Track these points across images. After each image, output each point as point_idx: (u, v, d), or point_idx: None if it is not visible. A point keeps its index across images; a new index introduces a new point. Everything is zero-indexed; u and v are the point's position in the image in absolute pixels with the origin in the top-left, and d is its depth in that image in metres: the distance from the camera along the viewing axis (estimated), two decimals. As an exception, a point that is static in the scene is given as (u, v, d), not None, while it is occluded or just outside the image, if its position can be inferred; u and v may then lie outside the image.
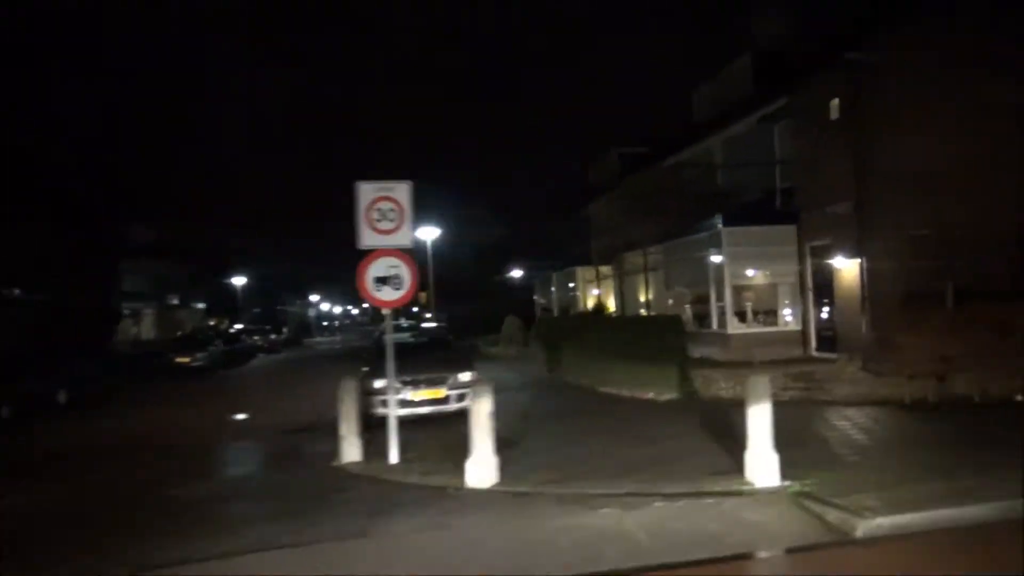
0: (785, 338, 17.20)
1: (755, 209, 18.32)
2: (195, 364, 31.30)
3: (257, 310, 77.63)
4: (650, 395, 13.65)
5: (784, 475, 6.94)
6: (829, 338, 16.45)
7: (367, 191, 8.99)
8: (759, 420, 6.90)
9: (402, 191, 9.09)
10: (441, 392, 11.88)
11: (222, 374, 29.82)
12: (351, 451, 9.22)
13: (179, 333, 43.57)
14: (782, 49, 20.30)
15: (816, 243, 16.69)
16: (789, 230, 17.17)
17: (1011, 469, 6.83)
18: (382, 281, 9.02)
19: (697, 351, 18.53)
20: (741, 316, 17.72)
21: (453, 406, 11.95)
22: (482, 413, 7.52)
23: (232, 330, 44.92)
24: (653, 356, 14.05)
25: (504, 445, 9.76)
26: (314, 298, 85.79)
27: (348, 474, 8.74)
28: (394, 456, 8.91)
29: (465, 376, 12.18)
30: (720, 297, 17.51)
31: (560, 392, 15.65)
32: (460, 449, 8.07)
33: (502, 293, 49.63)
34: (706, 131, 21.87)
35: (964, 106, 14.77)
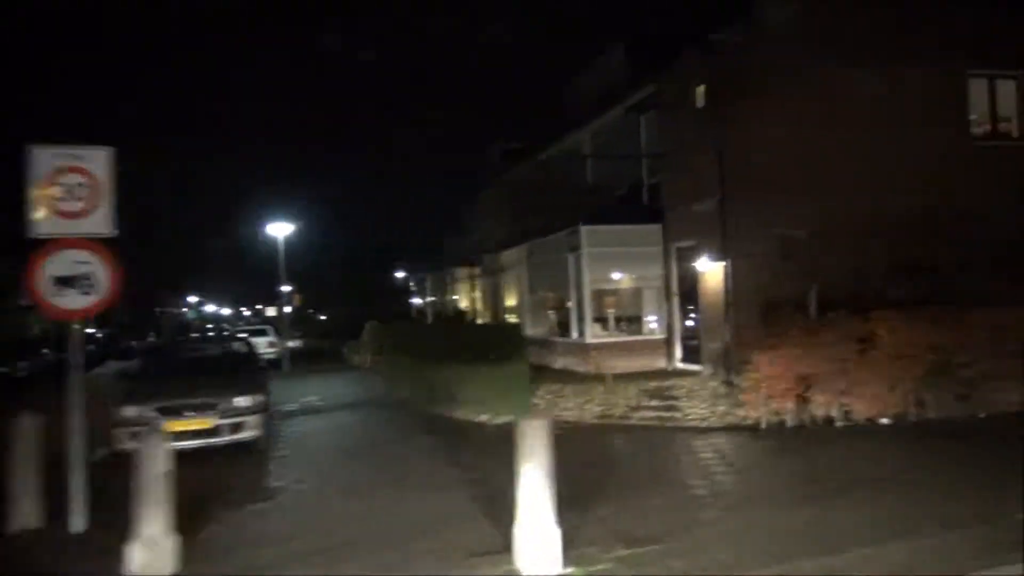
0: (649, 347, 15.66)
1: (619, 206, 16.75)
2: (19, 374, 27.32)
3: (135, 311, 71.69)
4: (483, 418, 11.67)
5: (569, 556, 5.00)
6: (694, 348, 14.99)
7: (44, 158, 6.54)
8: (533, 483, 4.93)
9: (98, 161, 6.68)
10: (208, 422, 9.48)
11: (50, 385, 25.85)
12: (24, 515, 6.69)
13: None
14: (658, 34, 18.83)
15: (682, 244, 15.21)
16: (654, 229, 15.65)
17: (879, 541, 5.17)
18: (65, 282, 6.57)
19: (558, 362, 16.84)
20: (603, 323, 16.07)
21: (225, 438, 9.59)
22: (150, 473, 5.23)
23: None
24: (491, 370, 12.09)
25: (260, 497, 7.58)
26: (192, 299, 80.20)
27: None
28: (79, 521, 6.47)
29: (243, 400, 9.81)
30: (579, 302, 15.79)
31: (386, 414, 13.48)
32: (195, 501, 6.42)
33: (387, 295, 47.17)
34: (578, 123, 20.23)
35: (843, 95, 13.58)
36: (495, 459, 8.58)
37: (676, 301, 15.51)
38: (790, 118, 13.40)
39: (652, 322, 15.97)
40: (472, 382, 12.38)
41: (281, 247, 23.96)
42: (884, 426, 9.71)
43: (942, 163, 14.12)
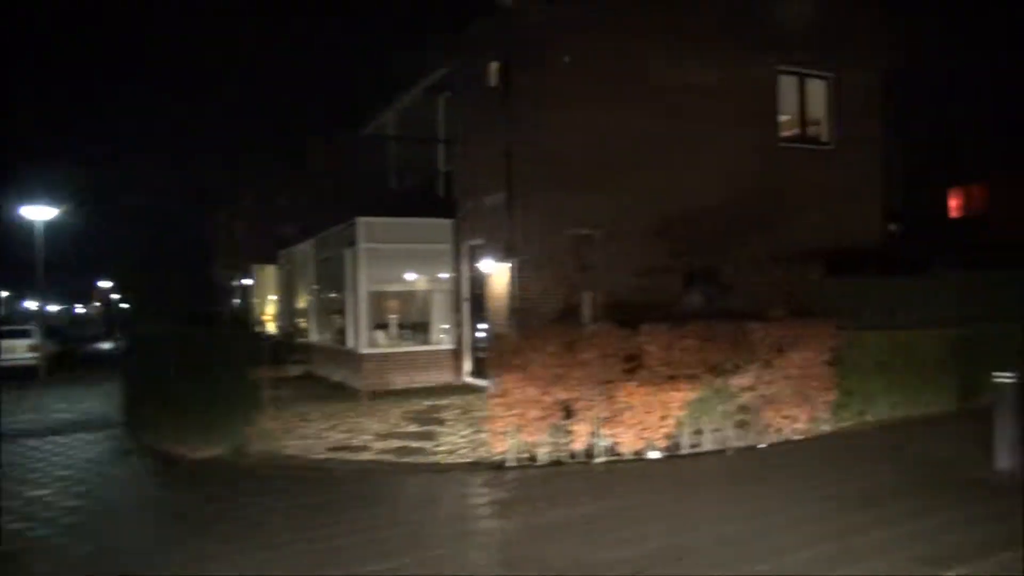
0: (437, 359, 13.74)
1: (408, 197, 14.78)
2: None
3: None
4: (181, 450, 9.28)
5: None
6: (484, 360, 13.20)
7: None
8: None
9: None
10: None
11: None
12: None
13: None
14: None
15: (475, 242, 13.42)
16: (445, 225, 13.77)
17: None
18: None
19: (337, 374, 14.64)
20: (386, 331, 14.01)
21: None
22: None
23: None
24: (203, 387, 9.72)
25: None
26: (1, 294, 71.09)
27: None
28: None
29: None
30: (356, 306, 13.64)
31: (86, 443, 10.86)
32: None
33: (214, 295, 43.15)
34: (384, 104, 18.08)
35: (646, 83, 12.22)
36: (154, 524, 6.33)
37: (467, 307, 13.71)
38: (588, 104, 11.92)
39: (442, 331, 14.08)
40: (186, 401, 9.94)
41: (40, 233, 20.20)
42: (652, 461, 8.18)
43: (749, 164, 13.13)
